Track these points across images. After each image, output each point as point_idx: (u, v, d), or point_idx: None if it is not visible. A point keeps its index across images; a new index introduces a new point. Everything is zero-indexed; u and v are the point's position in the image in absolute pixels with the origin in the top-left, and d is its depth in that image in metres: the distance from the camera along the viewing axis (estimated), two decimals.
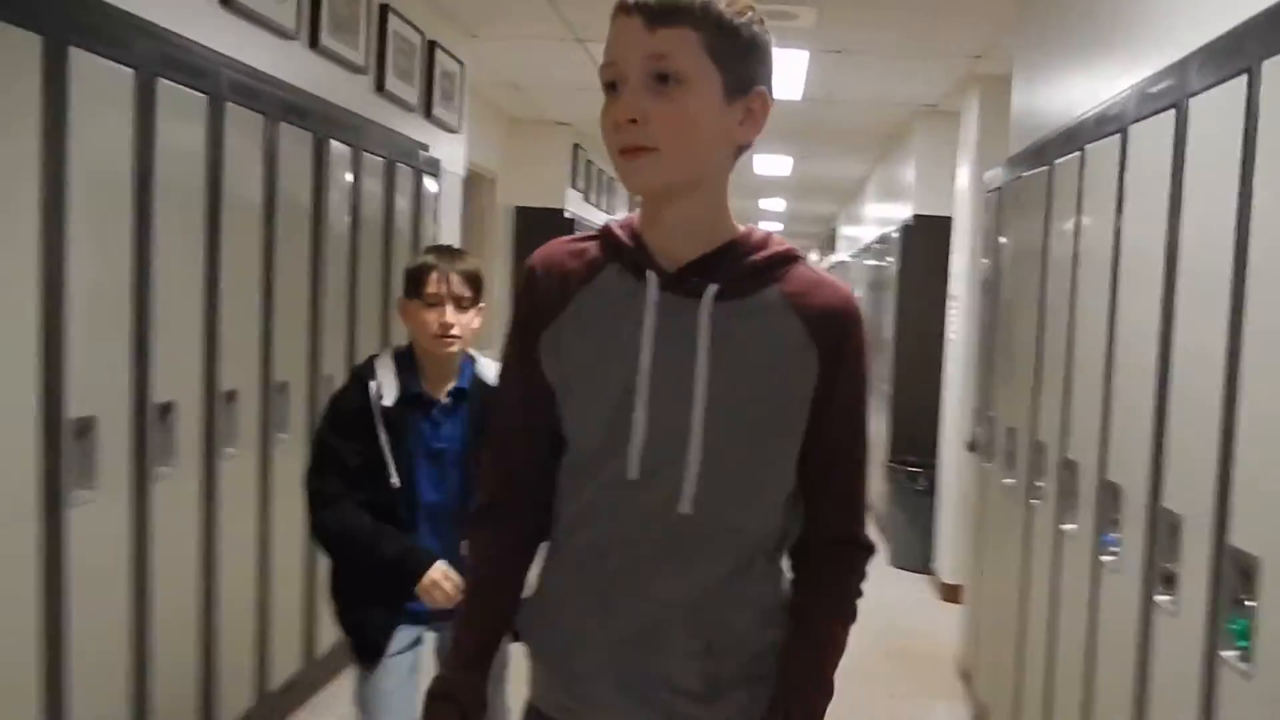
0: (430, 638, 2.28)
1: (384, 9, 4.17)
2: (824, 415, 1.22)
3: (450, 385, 2.26)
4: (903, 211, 6.71)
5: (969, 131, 5.40)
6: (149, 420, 2.66)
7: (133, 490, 2.61)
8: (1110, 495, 2.49)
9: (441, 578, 2.11)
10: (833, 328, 1.22)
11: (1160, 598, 2.16)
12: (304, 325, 3.54)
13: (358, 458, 2.17)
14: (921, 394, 5.98)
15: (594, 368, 1.22)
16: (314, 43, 3.59)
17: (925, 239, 6.15)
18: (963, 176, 5.46)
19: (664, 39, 1.12)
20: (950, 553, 5.35)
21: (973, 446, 4.23)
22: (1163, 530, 2.16)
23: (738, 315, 1.20)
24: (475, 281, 2.26)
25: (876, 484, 6.86)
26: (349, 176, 3.85)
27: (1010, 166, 3.79)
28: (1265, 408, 1.77)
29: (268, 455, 3.28)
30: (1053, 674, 2.91)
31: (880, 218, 8.15)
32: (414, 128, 4.57)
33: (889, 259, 7.07)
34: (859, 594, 1.31)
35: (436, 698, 1.28)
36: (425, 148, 4.64)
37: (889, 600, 5.36)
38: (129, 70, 2.54)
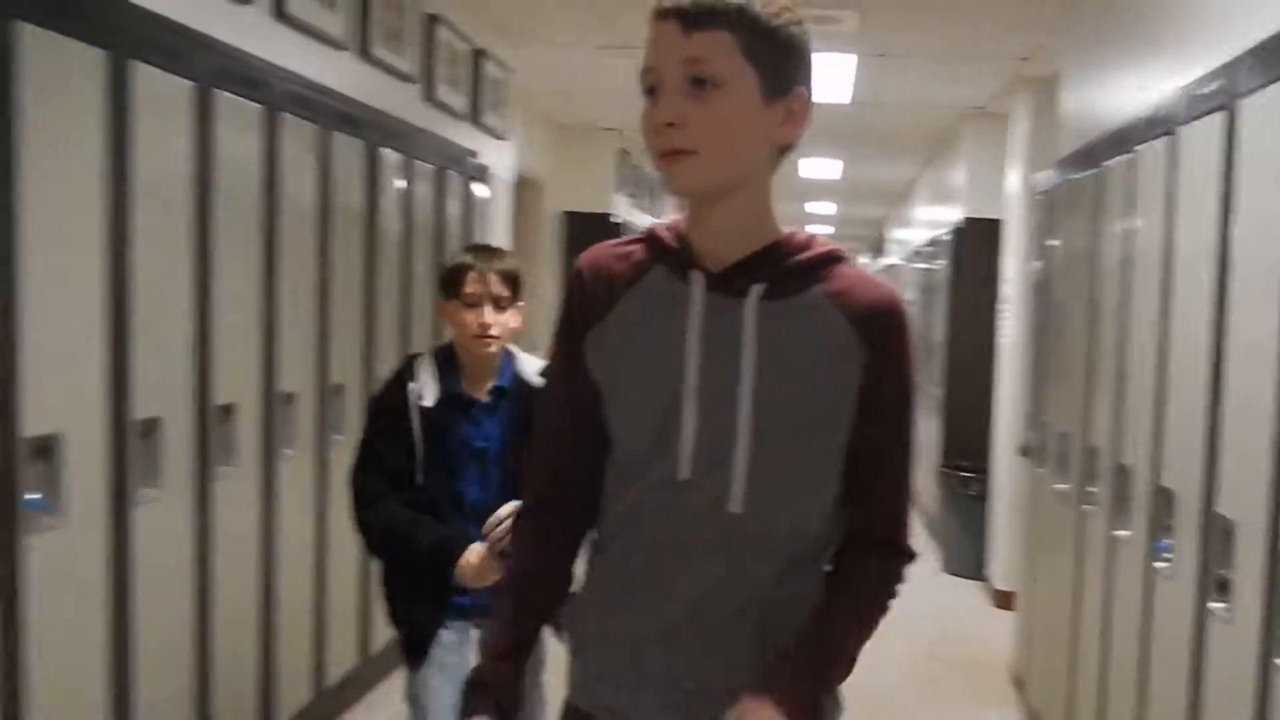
0: (476, 634, 2.30)
1: (432, 19, 4.24)
2: (868, 414, 1.22)
3: (491, 384, 2.26)
4: (953, 214, 6.66)
5: (1018, 134, 5.35)
6: (211, 421, 2.74)
7: (195, 489, 2.69)
8: (1164, 501, 2.45)
9: (478, 558, 2.10)
10: (878, 326, 1.22)
11: (1214, 604, 2.13)
12: (358, 329, 3.61)
13: (400, 457, 2.19)
14: (973, 398, 5.92)
15: (640, 368, 1.23)
16: (365, 53, 3.66)
17: (976, 242, 6.09)
18: (1012, 179, 5.40)
19: (699, 43, 1.13)
20: (1003, 559, 5.30)
21: (1025, 451, 4.19)
22: (1216, 536, 2.13)
23: (783, 315, 1.20)
24: (513, 280, 2.26)
25: (929, 489, 6.80)
26: (400, 183, 3.91)
27: (1060, 169, 3.75)
28: None
29: (324, 456, 3.35)
30: (1106, 681, 2.87)
31: (930, 221, 8.08)
32: (463, 135, 4.63)
33: (939, 262, 7.01)
34: (888, 598, 1.29)
35: (473, 687, 1.30)
36: (474, 154, 4.70)
37: (942, 607, 5.31)
38: (188, 83, 2.61)
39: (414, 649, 2.25)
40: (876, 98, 6.00)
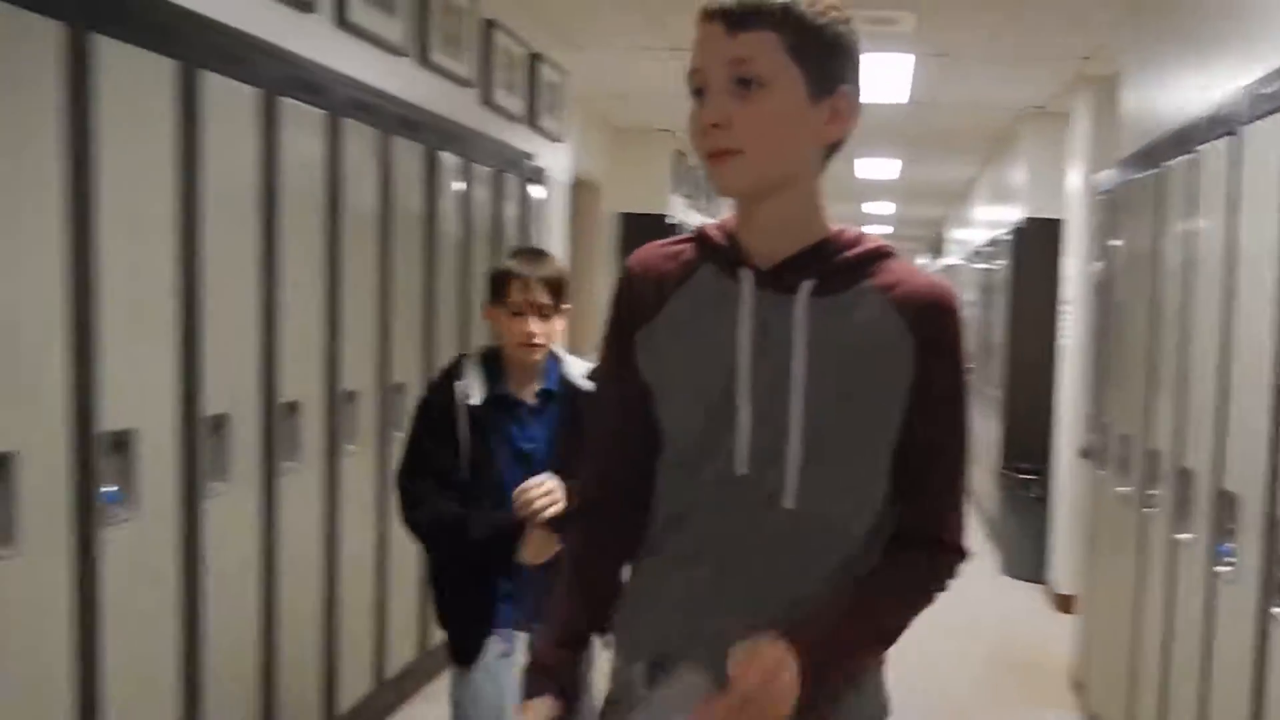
0: (524, 641, 2.31)
1: (489, 24, 4.30)
2: (920, 408, 1.21)
3: (537, 386, 2.27)
4: (1013, 214, 6.58)
5: (1079, 133, 5.27)
6: (277, 418, 2.82)
7: (262, 483, 2.78)
8: (1226, 504, 2.41)
9: (537, 538, 2.10)
10: (929, 320, 1.21)
11: (1277, 609, 2.09)
12: (418, 328, 3.67)
13: (448, 456, 2.20)
14: (1034, 400, 5.84)
15: (691, 366, 1.23)
16: (424, 59, 3.73)
17: (1037, 242, 6.01)
18: (1073, 179, 5.33)
19: (744, 43, 1.14)
20: (1064, 562, 5.22)
21: (1086, 453, 4.13)
22: None
23: (833, 310, 1.20)
24: (557, 287, 2.26)
25: (989, 491, 6.72)
26: (459, 186, 3.97)
27: (1121, 169, 3.70)
28: None
29: (385, 453, 3.42)
30: (1167, 686, 2.83)
31: (990, 220, 7.98)
32: (520, 138, 4.69)
33: (999, 262, 6.93)
34: (935, 590, 1.27)
35: (533, 670, 1.30)
36: (531, 157, 4.75)
37: (1001, 610, 5.25)
38: (254, 90, 2.69)
39: (461, 651, 2.27)
40: (934, 97, 5.95)
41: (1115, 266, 3.78)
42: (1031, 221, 6.13)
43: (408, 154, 3.54)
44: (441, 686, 3.71)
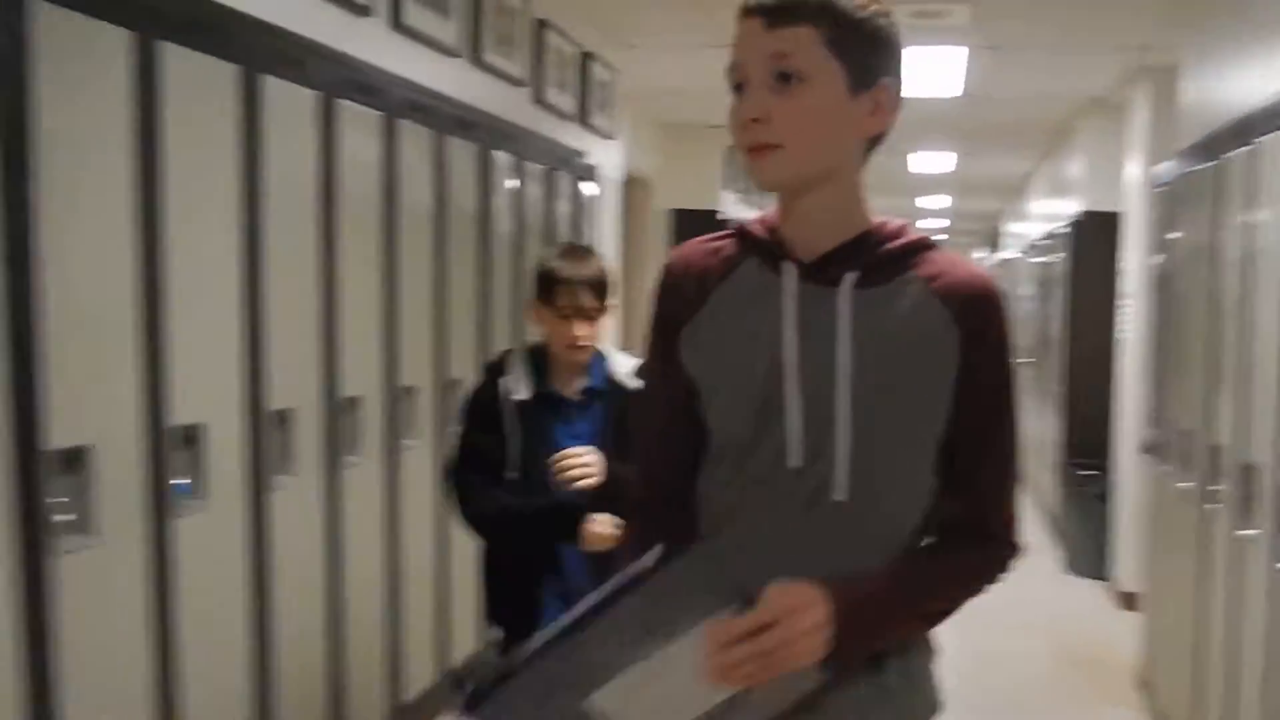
0: None
1: (541, 24, 4.34)
2: (967, 400, 1.20)
3: (582, 383, 2.29)
4: (1071, 207, 6.48)
5: (1137, 125, 5.19)
6: (338, 413, 2.88)
7: (325, 476, 2.84)
8: None
9: (597, 524, 2.10)
10: (974, 310, 1.21)
11: None
12: (473, 324, 3.73)
13: (495, 452, 2.22)
14: (1094, 395, 5.76)
15: (736, 361, 1.23)
16: (477, 59, 3.77)
17: (1095, 235, 5.92)
18: (1132, 171, 5.24)
19: (783, 38, 1.15)
20: (1127, 559, 5.15)
21: (1147, 449, 4.07)
22: None
23: (877, 302, 1.20)
24: (602, 289, 2.27)
25: (1050, 488, 6.64)
26: (512, 184, 4.02)
27: (1180, 160, 3.64)
28: None
29: (442, 447, 3.47)
30: (1235, 684, 2.78)
31: (1047, 214, 7.88)
32: (572, 136, 4.72)
33: (1057, 256, 6.83)
34: (984, 581, 1.25)
35: None
36: (583, 155, 4.79)
37: (1064, 608, 5.19)
38: (313, 93, 2.75)
39: (511, 648, 2.29)
40: (989, 90, 5.89)
41: (1175, 259, 3.72)
42: (1089, 215, 6.04)
43: (462, 153, 3.60)
44: None
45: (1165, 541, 3.76)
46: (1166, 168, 3.86)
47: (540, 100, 4.36)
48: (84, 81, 2.03)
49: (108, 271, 2.10)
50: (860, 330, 1.19)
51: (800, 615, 1.09)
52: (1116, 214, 5.46)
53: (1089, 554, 5.72)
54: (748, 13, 1.18)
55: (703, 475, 1.27)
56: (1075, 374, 6.25)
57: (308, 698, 2.82)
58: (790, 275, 1.22)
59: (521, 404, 2.24)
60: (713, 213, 7.55)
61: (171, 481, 2.25)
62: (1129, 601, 4.94)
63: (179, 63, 2.24)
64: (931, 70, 5.34)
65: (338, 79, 2.87)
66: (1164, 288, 3.91)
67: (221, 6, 2.40)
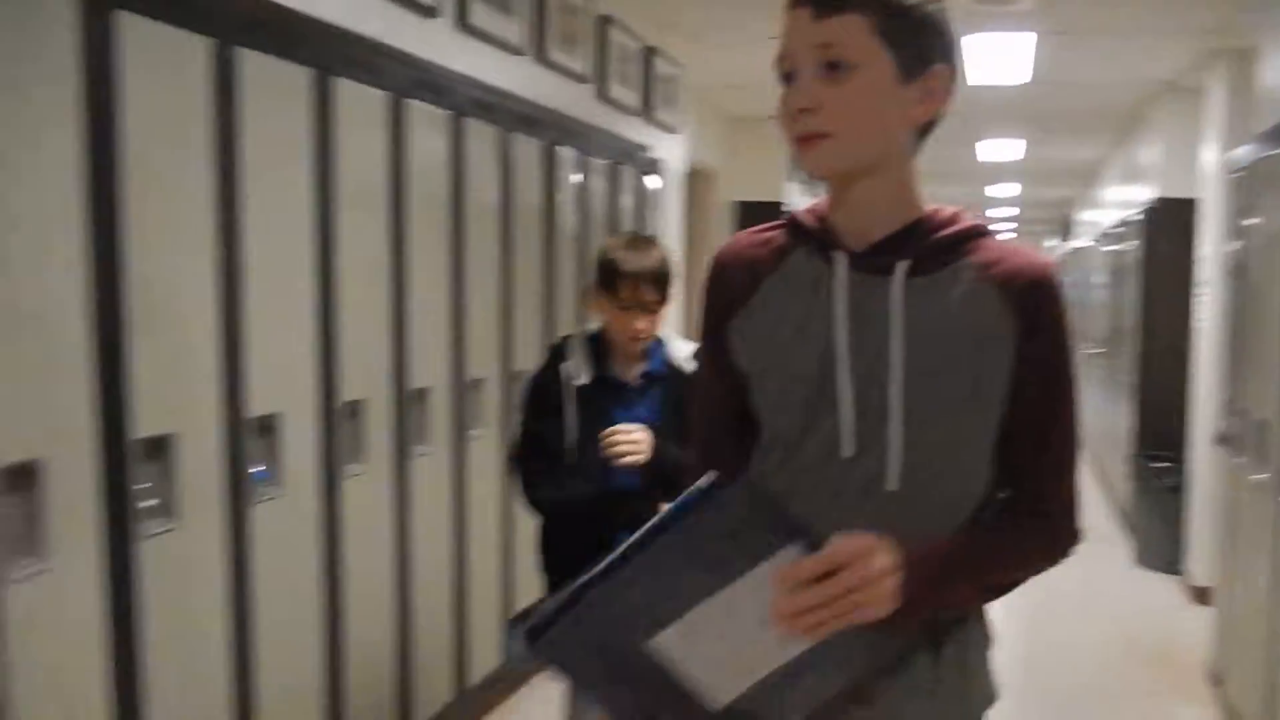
0: None
1: (605, 20, 4.38)
2: (1026, 388, 1.19)
3: (641, 368, 2.33)
4: (1144, 194, 6.34)
5: (1213, 109, 5.06)
6: (408, 404, 2.97)
7: (395, 466, 2.93)
8: None
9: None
10: (1030, 297, 1.19)
11: None
12: (538, 317, 3.79)
13: (557, 437, 2.26)
14: (1168, 385, 5.64)
15: (787, 351, 1.22)
16: (541, 57, 3.83)
17: (1170, 222, 5.79)
18: (1208, 156, 5.11)
19: (831, 28, 1.14)
20: (1200, 552, 5.04)
21: (1222, 440, 3.98)
22: None
23: (930, 290, 1.19)
24: (663, 281, 2.30)
25: (1121, 480, 6.52)
26: (576, 178, 4.07)
27: (1258, 144, 3.55)
28: None
29: (508, 438, 3.55)
30: None
31: (1120, 201, 7.71)
32: (636, 130, 4.76)
33: (1131, 244, 6.69)
34: (1043, 561, 1.23)
35: None
36: (647, 148, 4.82)
37: (1136, 602, 5.11)
38: (382, 93, 2.83)
39: None
40: (1058, 76, 5.79)
41: (1252, 246, 3.64)
42: (1163, 201, 5.90)
43: (527, 149, 3.66)
44: None
45: (1239, 535, 3.68)
46: (1243, 152, 3.77)
47: (604, 96, 4.41)
48: (167, 87, 2.12)
49: (190, 268, 2.19)
50: (913, 319, 1.18)
51: (870, 558, 1.05)
52: (1192, 200, 5.34)
53: (1161, 547, 5.61)
54: (796, 3, 1.18)
55: (754, 465, 1.26)
56: (1149, 364, 6.12)
57: (376, 678, 2.91)
58: (841, 265, 1.21)
59: (581, 389, 2.29)
60: (777, 204, 7.53)
61: (249, 469, 2.34)
62: (1201, 596, 4.84)
63: (255, 67, 2.33)
64: (999, 57, 5.27)
65: (406, 79, 2.94)
66: (1240, 275, 3.83)
67: (295, 12, 2.48)
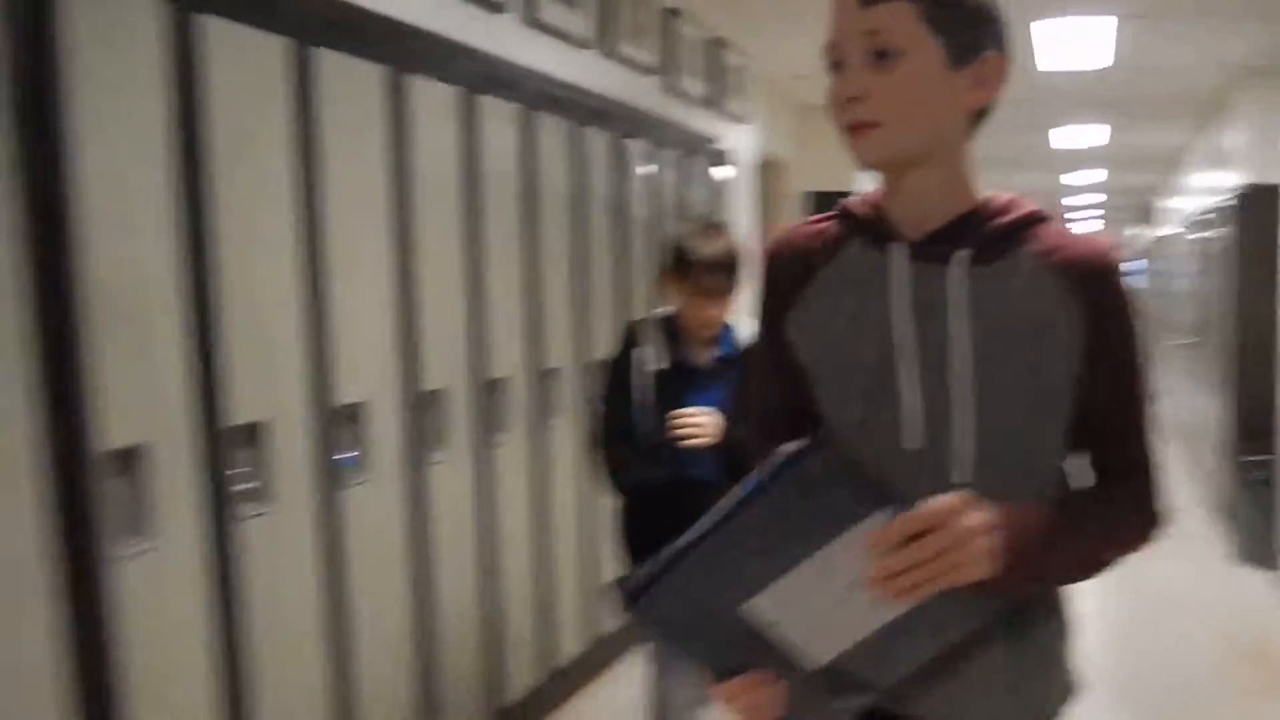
0: None
1: (671, 12, 4.41)
2: (1095, 375, 1.17)
3: (713, 353, 2.35)
4: (1230, 180, 6.16)
5: None
6: (487, 393, 3.03)
7: (476, 453, 3.00)
8: None
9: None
10: (1092, 281, 1.17)
11: None
12: (611, 306, 3.83)
13: (633, 421, 2.29)
14: (1262, 376, 5.47)
15: (845, 344, 1.21)
16: (609, 50, 3.87)
17: (1261, 209, 5.61)
18: None
19: (878, 15, 1.13)
20: None
21: None
22: None
23: (990, 279, 1.17)
24: (732, 268, 2.31)
25: (1215, 474, 6.33)
26: (646, 171, 4.11)
27: None
28: None
29: (584, 426, 3.60)
30: None
31: (1207, 187, 7.50)
32: (705, 121, 4.79)
33: (1219, 231, 6.50)
34: (1129, 542, 1.21)
35: None
36: (716, 140, 4.84)
37: (1232, 597, 4.95)
38: (454, 89, 2.90)
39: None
40: (1140, 60, 5.66)
41: None
42: (1254, 188, 5.73)
43: (597, 142, 3.70)
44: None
45: None
46: None
47: (672, 88, 4.44)
48: (248, 86, 2.20)
49: (276, 264, 2.27)
50: (974, 308, 1.17)
51: (963, 517, 1.03)
52: (1277, 186, 5.17)
53: (1257, 542, 5.43)
54: None
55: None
56: (1242, 355, 5.93)
57: (465, 658, 2.97)
58: (899, 255, 1.20)
59: (656, 373, 2.32)
60: (848, 194, 7.45)
61: (337, 455, 2.42)
62: None
63: (332, 66, 2.41)
64: (1078, 42, 5.17)
65: (477, 75, 3.00)
66: None
67: (369, 12, 2.55)
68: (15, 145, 1.73)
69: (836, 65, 1.17)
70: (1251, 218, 5.72)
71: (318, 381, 2.37)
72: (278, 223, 2.28)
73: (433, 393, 2.79)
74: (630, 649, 3.87)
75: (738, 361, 2.34)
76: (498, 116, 3.11)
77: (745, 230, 5.40)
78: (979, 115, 1.20)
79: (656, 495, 2.29)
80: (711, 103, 4.88)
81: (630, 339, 2.40)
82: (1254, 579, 5.30)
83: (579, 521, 3.62)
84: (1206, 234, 7.14)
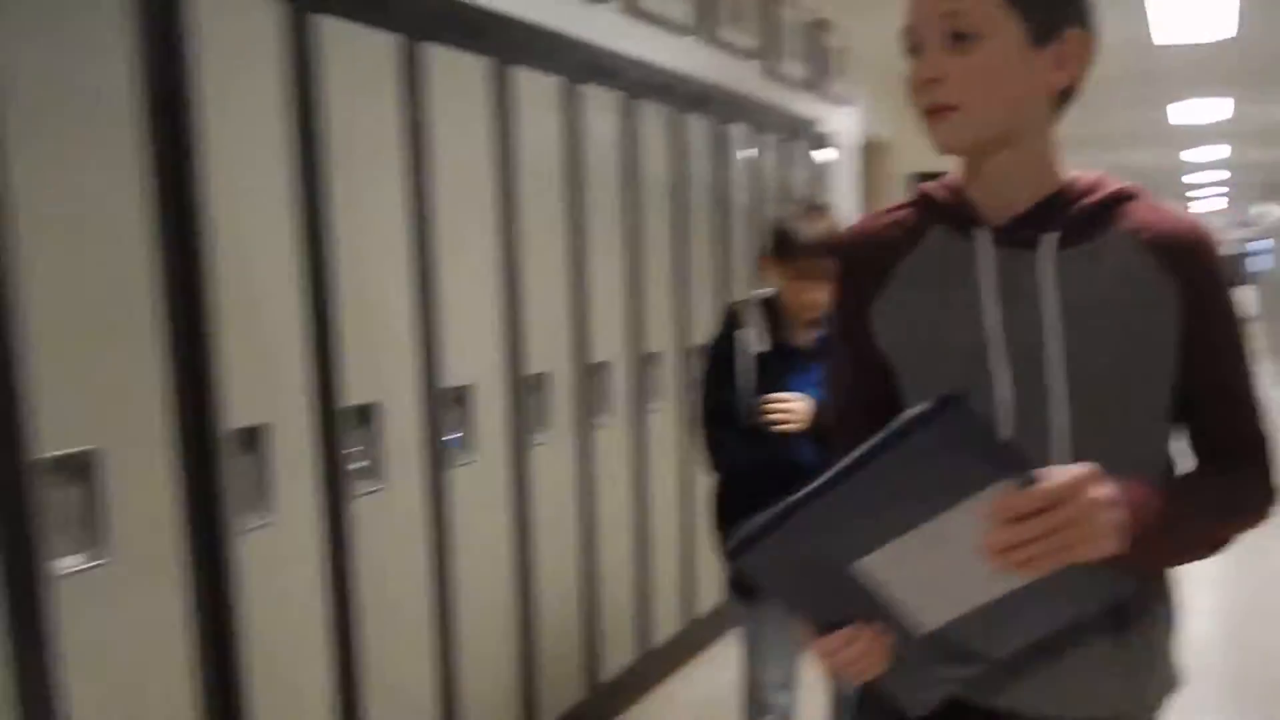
0: None
1: None
2: (1196, 355, 1.15)
3: (814, 334, 2.34)
4: None
5: None
6: (588, 377, 3.10)
7: (577, 436, 3.07)
8: None
9: None
10: (1187, 257, 1.14)
11: None
12: (712, 293, 3.86)
13: (736, 404, 2.30)
14: None
15: (932, 333, 1.18)
16: (710, 36, 3.89)
17: None
18: None
19: None
20: None
21: None
22: None
23: (1080, 260, 1.14)
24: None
25: None
26: (747, 155, 4.12)
27: None
28: None
29: (684, 411, 3.64)
30: None
31: None
32: (806, 104, 4.76)
33: None
34: (1248, 514, 1.17)
35: None
36: (818, 122, 4.81)
37: None
38: (557, 79, 2.96)
39: (749, 584, 2.39)
40: (1267, 29, 5.40)
41: None
42: None
43: (697, 128, 3.73)
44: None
45: None
46: None
47: (773, 72, 4.43)
48: (361, 82, 2.30)
49: (387, 251, 2.37)
50: (1066, 293, 1.14)
51: (1089, 489, 0.98)
52: None
53: None
54: None
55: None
56: None
57: (563, 635, 3.06)
58: (984, 240, 1.17)
59: (756, 355, 2.33)
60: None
61: (445, 436, 2.51)
62: None
63: (439, 60, 2.49)
64: (1198, 12, 4.97)
65: (579, 65, 3.06)
66: None
67: (475, 7, 2.63)
68: (149, 145, 1.84)
69: (914, 49, 1.15)
70: None
71: (427, 365, 2.46)
72: (389, 214, 2.37)
73: (536, 376, 2.87)
74: (726, 631, 3.91)
75: None
76: (599, 105, 3.16)
77: (848, 212, 5.36)
78: (1064, 96, 1.17)
79: (752, 477, 2.31)
80: (813, 85, 4.85)
81: (732, 321, 2.41)
82: None
83: (678, 503, 3.67)
84: None
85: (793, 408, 2.21)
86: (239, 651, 2.01)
